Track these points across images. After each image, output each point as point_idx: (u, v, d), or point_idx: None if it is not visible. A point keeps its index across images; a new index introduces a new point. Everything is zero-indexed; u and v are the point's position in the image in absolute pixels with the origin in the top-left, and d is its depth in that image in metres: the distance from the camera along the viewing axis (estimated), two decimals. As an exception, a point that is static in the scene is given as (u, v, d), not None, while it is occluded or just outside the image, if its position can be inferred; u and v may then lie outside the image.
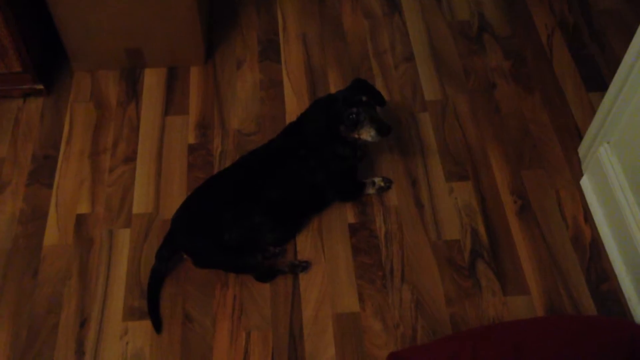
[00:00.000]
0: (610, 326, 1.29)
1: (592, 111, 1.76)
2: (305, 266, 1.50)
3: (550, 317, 1.41)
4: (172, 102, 1.81)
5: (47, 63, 1.85)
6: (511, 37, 1.97)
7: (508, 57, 1.92)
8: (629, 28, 1.95)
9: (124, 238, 1.55)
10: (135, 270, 1.50)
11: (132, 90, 1.83)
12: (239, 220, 1.44)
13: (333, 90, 1.83)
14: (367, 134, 1.43)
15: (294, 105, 1.80)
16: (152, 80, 1.85)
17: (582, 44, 1.95)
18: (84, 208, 1.60)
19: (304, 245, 1.55)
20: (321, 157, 1.50)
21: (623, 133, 1.50)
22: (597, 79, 1.85)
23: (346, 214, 1.59)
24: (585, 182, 1.64)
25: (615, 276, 1.50)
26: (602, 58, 1.91)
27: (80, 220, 1.58)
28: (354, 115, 1.41)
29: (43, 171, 1.67)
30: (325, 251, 1.53)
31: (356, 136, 1.45)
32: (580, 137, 1.72)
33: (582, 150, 1.68)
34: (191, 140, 1.73)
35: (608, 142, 1.55)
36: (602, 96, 1.59)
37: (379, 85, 1.84)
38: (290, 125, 1.57)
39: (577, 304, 1.46)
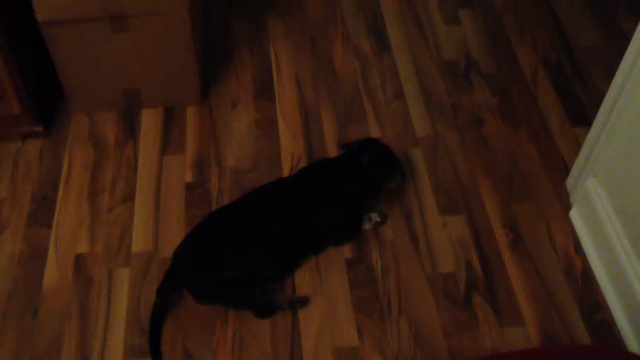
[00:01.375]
0: (603, 354, 1.32)
1: (578, 145, 1.81)
2: (304, 302, 1.52)
3: (545, 347, 1.44)
4: (169, 141, 1.84)
5: (46, 105, 1.88)
6: (497, 74, 2.04)
7: (495, 94, 1.98)
8: (609, 63, 2.03)
9: (124, 277, 1.57)
10: (135, 309, 1.51)
11: (130, 130, 1.86)
12: (239, 257, 1.47)
13: (327, 128, 1.87)
14: (396, 181, 1.64)
15: (288, 143, 1.84)
16: (150, 120, 1.89)
17: (565, 80, 2.02)
18: (83, 248, 1.62)
19: (302, 280, 1.57)
20: (341, 206, 1.56)
21: (608, 166, 1.55)
22: (581, 114, 1.92)
23: (343, 249, 1.63)
24: (574, 214, 1.68)
25: (607, 306, 1.54)
26: (584, 93, 1.98)
27: (80, 259, 1.60)
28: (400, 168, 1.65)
29: (42, 212, 1.68)
30: (323, 286, 1.56)
31: (386, 184, 1.63)
32: (568, 171, 1.77)
33: (569, 183, 1.73)
34: (188, 178, 1.76)
35: (594, 175, 1.60)
36: (587, 130, 1.65)
37: (371, 121, 1.89)
38: (307, 170, 1.62)
39: (571, 334, 1.49)
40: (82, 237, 1.64)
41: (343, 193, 1.57)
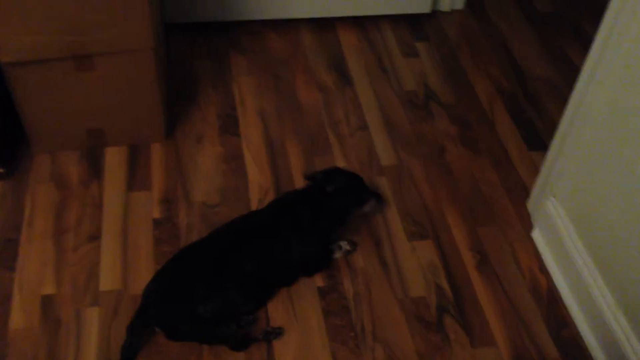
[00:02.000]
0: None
1: (536, 168, 1.87)
2: (278, 332, 1.52)
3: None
4: (135, 178, 1.83)
5: (6, 146, 1.85)
6: (455, 104, 2.11)
7: (454, 123, 2.04)
8: (560, 92, 2.12)
9: (93, 316, 1.54)
10: (105, 349, 1.48)
11: (94, 169, 1.85)
12: (212, 292, 1.46)
13: (293, 160, 1.90)
14: (369, 206, 1.67)
15: (256, 176, 1.85)
16: (114, 158, 1.88)
17: (520, 108, 2.10)
18: (49, 289, 1.59)
19: (276, 311, 1.57)
20: (309, 238, 1.57)
21: (566, 187, 1.61)
22: (537, 139, 1.99)
23: (314, 278, 1.63)
24: (537, 234, 1.73)
25: (573, 322, 1.58)
26: (539, 120, 2.06)
27: (46, 301, 1.56)
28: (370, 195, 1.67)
29: (5, 255, 1.65)
30: (297, 316, 1.56)
31: (357, 210, 1.65)
32: (528, 193, 1.83)
33: (530, 205, 1.79)
34: (156, 214, 1.75)
35: (554, 196, 1.66)
36: (543, 154, 1.72)
37: (336, 152, 1.93)
38: (276, 203, 1.63)
39: (541, 351, 1.52)
40: (48, 278, 1.61)
41: (311, 223, 1.59)
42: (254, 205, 1.77)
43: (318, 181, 1.64)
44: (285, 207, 1.61)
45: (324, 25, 2.35)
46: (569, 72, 2.16)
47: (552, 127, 1.79)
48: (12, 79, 1.72)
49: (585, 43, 2.24)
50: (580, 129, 1.54)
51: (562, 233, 1.61)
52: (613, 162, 1.43)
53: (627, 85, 1.36)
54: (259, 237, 1.54)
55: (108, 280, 1.61)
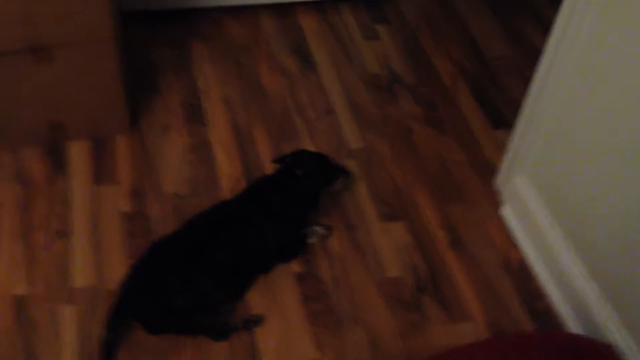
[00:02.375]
0: (549, 338, 1.40)
1: (500, 146, 1.91)
2: (258, 320, 1.52)
3: (495, 338, 1.51)
4: (102, 172, 1.79)
5: (-35, 144, 1.79)
6: (419, 85, 2.13)
7: (419, 104, 2.07)
8: (521, 71, 2.17)
9: (69, 314, 1.51)
10: (85, 346, 1.46)
11: (58, 164, 1.80)
12: (187, 284, 1.45)
13: (261, 147, 1.89)
14: (339, 184, 1.69)
15: (225, 165, 1.84)
16: (78, 153, 1.83)
17: (482, 88, 2.14)
18: (21, 290, 1.54)
19: (254, 299, 1.57)
20: (281, 224, 1.57)
21: (533, 163, 1.65)
22: (500, 118, 2.03)
23: (292, 264, 1.64)
24: (507, 211, 1.77)
25: (546, 294, 1.63)
26: (501, 99, 2.10)
27: (19, 302, 1.52)
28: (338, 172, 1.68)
29: (-29, 256, 1.60)
30: (276, 303, 1.56)
31: (328, 189, 1.66)
32: (494, 171, 1.87)
33: (499, 182, 1.83)
34: (126, 208, 1.72)
35: (523, 172, 1.70)
36: (506, 132, 1.77)
37: (304, 138, 1.92)
38: (247, 191, 1.62)
39: (516, 323, 1.57)
40: (19, 278, 1.56)
41: (283, 208, 1.59)
42: (226, 195, 1.76)
43: (287, 165, 1.63)
44: (256, 193, 1.61)
45: (284, 11, 2.34)
46: (529, 52, 2.20)
47: (514, 105, 1.82)
48: (-34, 74, 1.66)
49: (544, 24, 2.29)
50: (544, 105, 1.58)
51: (532, 208, 1.66)
52: (578, 136, 1.48)
53: (588, 65, 1.40)
54: (231, 226, 1.53)
55: (82, 276, 1.57)
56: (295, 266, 1.63)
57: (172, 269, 1.46)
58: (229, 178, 1.80)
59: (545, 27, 1.51)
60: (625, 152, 1.33)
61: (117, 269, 1.57)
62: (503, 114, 2.05)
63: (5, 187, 1.74)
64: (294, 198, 1.58)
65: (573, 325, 1.54)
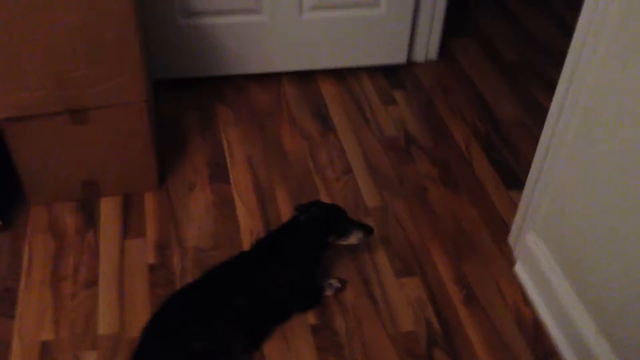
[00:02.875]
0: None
1: (514, 205, 1.96)
2: (274, 370, 1.56)
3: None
4: (130, 226, 1.89)
5: (4, 198, 1.90)
6: (434, 147, 2.21)
7: (434, 165, 2.14)
8: (532, 132, 2.24)
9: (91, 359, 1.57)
10: (105, 392, 1.51)
11: (89, 218, 1.90)
12: (206, 330, 1.51)
13: (282, 205, 1.97)
14: (355, 238, 1.70)
15: (246, 221, 1.92)
16: (109, 208, 1.94)
17: (495, 149, 2.21)
18: (48, 335, 1.62)
19: (270, 349, 1.61)
20: (294, 271, 1.63)
21: (544, 221, 1.70)
22: (513, 177, 2.09)
23: (307, 316, 1.68)
24: (519, 268, 1.81)
25: (559, 353, 1.64)
26: (514, 160, 2.17)
27: (45, 347, 1.59)
28: (349, 225, 1.70)
29: (4, 303, 1.68)
30: (291, 353, 1.60)
31: (342, 243, 1.69)
32: (508, 229, 1.91)
33: (511, 240, 1.87)
34: (151, 260, 1.80)
35: (534, 230, 1.75)
36: (520, 191, 1.81)
37: (323, 197, 2.00)
38: (262, 242, 1.70)
39: (529, 379, 1.58)
40: (47, 324, 1.64)
41: (292, 254, 1.64)
42: (247, 249, 1.83)
43: (297, 213, 1.70)
44: (269, 242, 1.68)
45: (305, 78, 2.47)
46: (539, 114, 2.27)
47: (526, 165, 1.88)
48: (8, 133, 1.78)
49: (551, 87, 2.36)
50: (552, 165, 1.64)
51: (543, 266, 1.69)
52: (585, 193, 1.53)
53: (590, 123, 1.47)
54: (249, 274, 1.60)
55: (106, 324, 1.64)
56: (310, 318, 1.68)
57: (191, 315, 1.52)
58: (249, 233, 1.88)
59: (551, 88, 1.60)
60: (632, 209, 1.38)
61: (140, 318, 1.63)
62: (516, 174, 2.11)
63: (39, 238, 1.84)
64: (300, 244, 1.64)
65: (585, 381, 1.55)
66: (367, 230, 1.72)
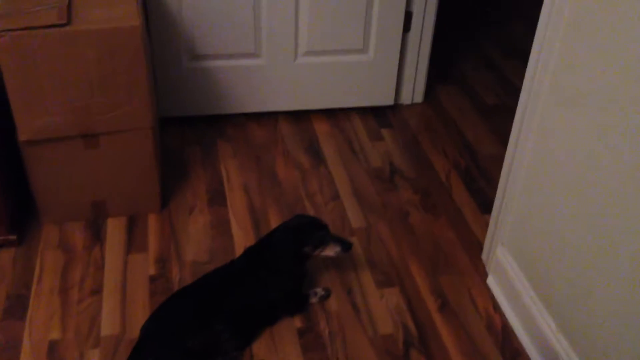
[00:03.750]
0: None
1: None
2: (261, 366, 1.70)
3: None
4: (133, 243, 2.06)
5: (19, 217, 2.09)
6: (417, 178, 2.39)
7: (416, 193, 2.32)
8: (509, 165, 2.42)
9: (94, 357, 1.71)
10: (106, 384, 1.65)
11: (96, 236, 2.08)
12: (201, 329, 1.65)
13: (274, 225, 2.13)
14: (332, 251, 1.79)
15: (241, 238, 2.09)
16: (115, 227, 2.11)
17: (473, 179, 2.39)
18: (55, 335, 1.76)
19: (259, 348, 1.75)
20: (279, 277, 1.78)
21: (511, 234, 1.86)
22: (488, 204, 2.24)
23: (294, 320, 1.83)
24: (491, 281, 1.96)
25: (525, 353, 1.77)
26: (490, 189, 2.35)
27: (53, 345, 1.73)
28: (323, 237, 1.78)
29: (16, 308, 1.83)
30: (277, 351, 1.74)
31: (319, 254, 1.79)
32: (482, 248, 2.07)
33: (484, 255, 2.03)
34: (152, 272, 1.96)
35: (502, 244, 1.91)
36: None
37: (312, 219, 2.17)
38: (251, 249, 1.86)
39: (497, 376, 1.70)
40: (54, 326, 1.79)
41: (275, 264, 1.78)
42: (239, 262, 1.99)
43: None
44: (255, 251, 1.84)
45: (299, 116, 2.69)
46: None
47: (500, 192, 2.06)
48: (27, 156, 1.98)
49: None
50: (513, 187, 1.82)
51: (510, 274, 1.85)
52: (540, 206, 1.70)
53: (542, 152, 1.66)
54: (240, 279, 1.75)
55: (108, 326, 1.79)
56: (297, 322, 1.82)
57: (187, 314, 1.67)
58: (243, 248, 2.04)
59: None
60: (579, 217, 1.55)
61: (140, 321, 1.78)
62: (491, 201, 2.26)
63: (49, 253, 2.01)
64: (274, 252, 1.78)
65: (547, 377, 1.67)
66: (345, 245, 1.81)
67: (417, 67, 2.75)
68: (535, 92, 1.66)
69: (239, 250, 2.04)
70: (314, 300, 1.87)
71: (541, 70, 1.62)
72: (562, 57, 1.54)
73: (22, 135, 1.93)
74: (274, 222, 2.16)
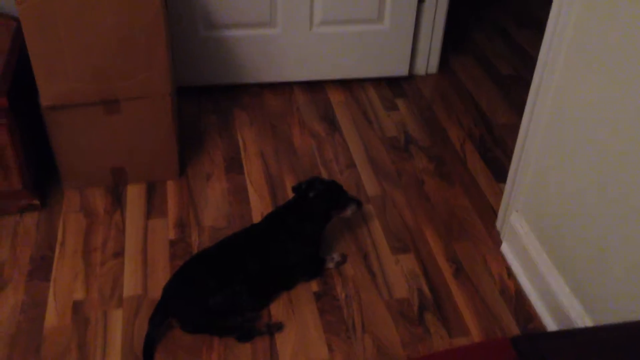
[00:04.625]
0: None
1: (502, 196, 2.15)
2: (279, 326, 1.74)
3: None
4: (153, 208, 2.10)
5: (42, 181, 2.13)
6: (432, 146, 2.41)
7: (431, 161, 2.34)
8: (523, 135, 2.43)
9: (117, 317, 1.76)
10: (129, 342, 1.69)
11: (117, 201, 2.12)
12: (222, 288, 1.69)
13: (290, 192, 2.16)
14: (350, 211, 1.87)
15: (257, 204, 2.12)
16: (134, 193, 2.15)
17: (488, 148, 2.41)
18: (79, 295, 1.81)
19: (277, 310, 1.79)
20: (299, 241, 1.82)
21: (525, 201, 1.89)
22: (503, 172, 2.28)
23: (310, 284, 1.87)
24: (505, 247, 1.98)
25: (538, 317, 1.80)
26: (504, 157, 2.36)
27: (77, 305, 1.79)
28: (348, 199, 1.88)
29: (41, 269, 1.88)
30: (295, 314, 1.78)
31: (339, 214, 1.88)
32: (497, 216, 2.09)
33: (498, 223, 2.05)
34: (172, 236, 2.00)
35: (517, 210, 1.93)
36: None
37: (328, 186, 2.20)
38: (272, 214, 1.89)
39: (510, 339, 1.74)
40: (78, 287, 1.84)
41: (298, 227, 1.83)
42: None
43: (302, 190, 1.89)
44: (277, 216, 1.87)
45: (314, 87, 2.70)
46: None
47: (515, 161, 2.07)
48: (49, 121, 2.02)
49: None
50: (529, 153, 1.84)
51: (524, 240, 1.87)
52: (556, 171, 1.71)
53: (558, 118, 1.67)
54: (260, 242, 1.79)
55: (130, 287, 1.84)
56: (314, 286, 1.86)
57: (208, 274, 1.71)
58: (260, 214, 2.08)
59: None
60: (592, 182, 1.56)
61: (161, 283, 1.82)
62: (505, 170, 2.27)
63: (72, 217, 2.06)
64: (306, 218, 1.83)
65: (560, 338, 1.70)
66: (358, 203, 1.91)
67: (431, 38, 2.75)
68: (555, 47, 1.64)
69: (255, 216, 2.08)
70: (330, 265, 1.91)
71: (561, 26, 1.61)
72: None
73: (45, 101, 1.97)
74: (290, 189, 2.18)
